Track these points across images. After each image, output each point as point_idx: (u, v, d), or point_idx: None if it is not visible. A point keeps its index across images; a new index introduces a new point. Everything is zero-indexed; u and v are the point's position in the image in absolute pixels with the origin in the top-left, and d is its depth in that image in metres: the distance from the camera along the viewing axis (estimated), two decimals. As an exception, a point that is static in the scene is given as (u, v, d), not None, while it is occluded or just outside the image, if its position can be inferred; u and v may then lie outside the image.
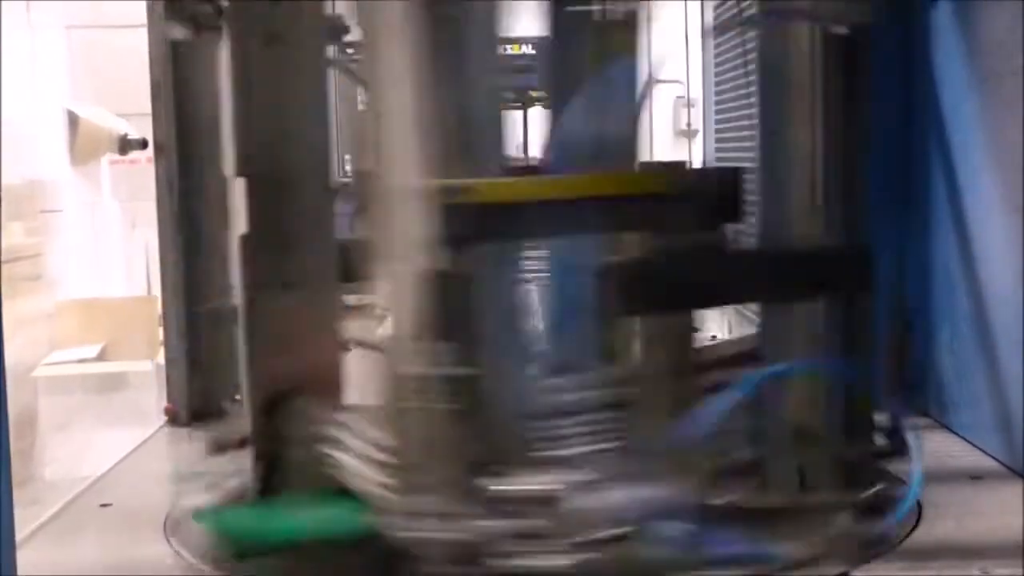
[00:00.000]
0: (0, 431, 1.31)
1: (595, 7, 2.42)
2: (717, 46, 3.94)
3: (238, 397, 2.68)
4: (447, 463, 1.69)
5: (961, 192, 2.34)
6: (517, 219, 1.82)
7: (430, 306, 1.63)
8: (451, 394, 1.66)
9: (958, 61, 2.34)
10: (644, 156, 2.50)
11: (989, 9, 2.23)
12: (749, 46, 2.20)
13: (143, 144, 7.02)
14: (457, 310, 1.69)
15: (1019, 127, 2.06)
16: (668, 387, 1.87)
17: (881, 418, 2.02)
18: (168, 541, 1.89)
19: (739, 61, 2.19)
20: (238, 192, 1.85)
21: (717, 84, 4.06)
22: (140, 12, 2.67)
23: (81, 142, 7.17)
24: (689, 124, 5.81)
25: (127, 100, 6.64)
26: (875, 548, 1.78)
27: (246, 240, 1.88)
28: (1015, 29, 2.07)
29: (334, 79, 3.29)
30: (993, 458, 2.24)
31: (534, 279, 2.43)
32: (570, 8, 2.36)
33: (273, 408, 1.83)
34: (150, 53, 2.65)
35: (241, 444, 1.94)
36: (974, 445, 2.33)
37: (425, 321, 1.64)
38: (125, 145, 7.32)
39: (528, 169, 2.51)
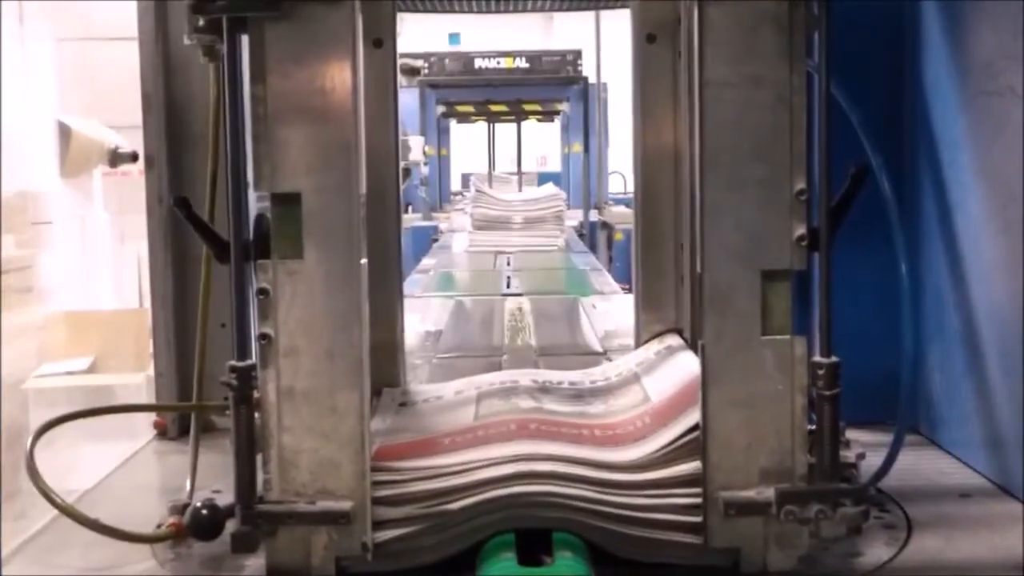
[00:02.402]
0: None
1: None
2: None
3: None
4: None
5: (951, 211, 2.35)
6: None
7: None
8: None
9: (948, 81, 2.35)
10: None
11: (978, 29, 2.24)
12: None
13: (133, 157, 7.03)
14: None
15: (1008, 146, 2.07)
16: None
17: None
18: (155, 556, 1.89)
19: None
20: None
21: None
22: (131, 25, 2.67)
23: (73, 154, 7.18)
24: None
25: (118, 112, 6.66)
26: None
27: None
28: (1003, 49, 2.08)
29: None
30: (983, 476, 2.25)
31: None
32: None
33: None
34: (141, 66, 2.65)
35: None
36: (964, 462, 2.33)
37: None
38: (115, 158, 7.33)
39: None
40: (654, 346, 2.35)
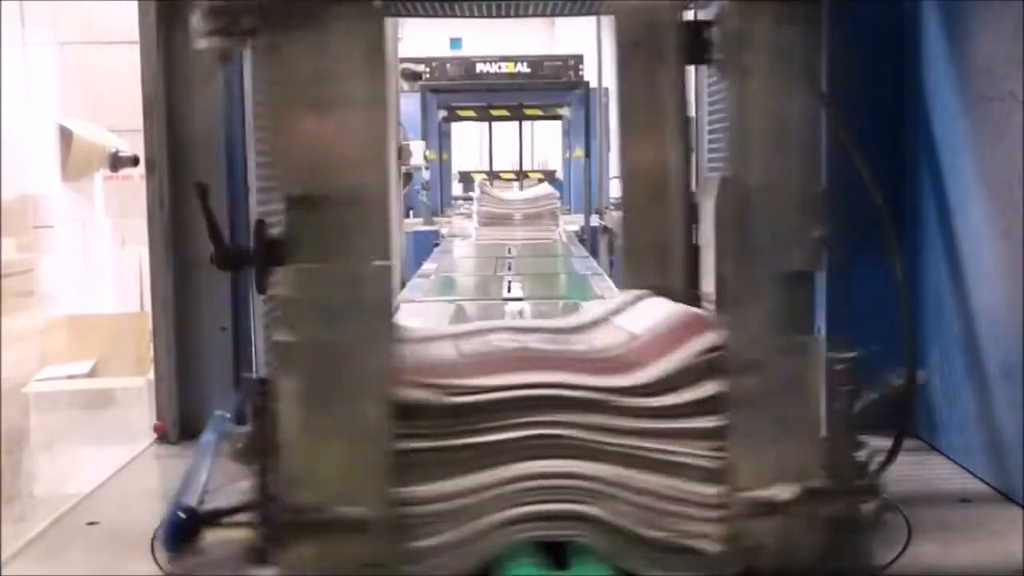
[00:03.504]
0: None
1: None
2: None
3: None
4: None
5: (951, 215, 2.35)
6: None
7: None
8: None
9: (949, 85, 2.35)
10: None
11: (979, 33, 2.24)
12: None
13: (134, 161, 7.03)
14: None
15: (1008, 151, 2.07)
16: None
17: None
18: (155, 560, 1.88)
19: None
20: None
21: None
22: (132, 29, 2.67)
23: (74, 158, 7.18)
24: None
25: (119, 116, 6.67)
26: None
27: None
28: (1004, 53, 2.08)
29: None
30: (983, 481, 2.24)
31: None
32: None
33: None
34: (142, 69, 2.65)
35: None
36: (964, 468, 2.33)
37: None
38: (116, 162, 7.33)
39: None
40: (620, 296, 2.28)
